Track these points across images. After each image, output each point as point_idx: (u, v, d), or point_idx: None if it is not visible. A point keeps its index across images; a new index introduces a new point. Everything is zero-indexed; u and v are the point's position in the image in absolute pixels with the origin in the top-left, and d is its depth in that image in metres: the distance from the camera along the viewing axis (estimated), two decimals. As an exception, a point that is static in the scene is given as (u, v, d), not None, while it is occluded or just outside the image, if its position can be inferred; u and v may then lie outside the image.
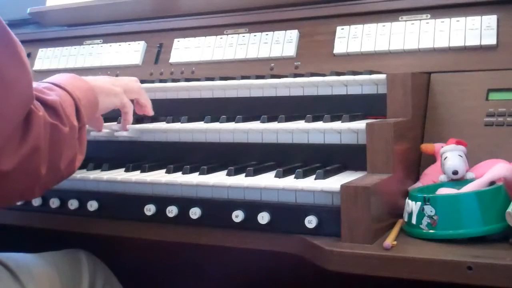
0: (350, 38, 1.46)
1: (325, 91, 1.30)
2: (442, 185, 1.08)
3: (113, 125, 1.31)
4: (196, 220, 1.10)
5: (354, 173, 1.14)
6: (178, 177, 1.15)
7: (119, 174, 1.21)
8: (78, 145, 1.01)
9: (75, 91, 1.03)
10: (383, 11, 1.46)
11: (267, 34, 1.57)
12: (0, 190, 0.88)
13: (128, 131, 1.30)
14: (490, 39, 1.32)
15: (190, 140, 1.31)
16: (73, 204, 1.22)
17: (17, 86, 0.85)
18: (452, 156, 1.09)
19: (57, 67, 1.84)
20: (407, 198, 1.03)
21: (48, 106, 0.94)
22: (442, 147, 1.13)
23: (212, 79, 1.45)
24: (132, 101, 1.27)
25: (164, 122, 1.32)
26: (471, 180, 1.05)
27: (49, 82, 1.04)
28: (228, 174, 1.14)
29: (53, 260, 1.23)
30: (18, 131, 0.86)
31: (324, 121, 1.16)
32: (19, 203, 1.27)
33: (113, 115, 1.30)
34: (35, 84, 1.00)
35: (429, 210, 0.96)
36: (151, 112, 1.32)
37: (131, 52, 1.75)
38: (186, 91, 1.45)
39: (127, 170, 1.24)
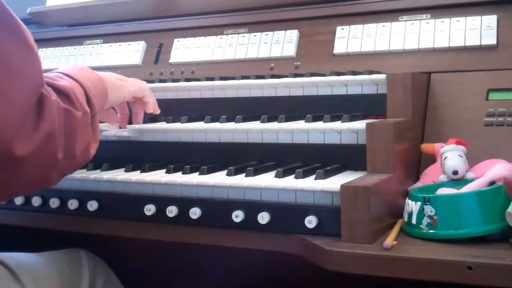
0: (350, 38, 1.46)
1: (325, 91, 1.30)
2: (442, 185, 1.08)
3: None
4: (196, 220, 1.10)
5: (354, 173, 1.14)
6: (178, 177, 1.15)
7: (119, 174, 1.21)
8: (92, 132, 1.01)
9: (85, 81, 1.03)
10: (383, 11, 1.46)
11: (267, 34, 1.57)
12: (19, 177, 0.88)
13: (126, 128, 1.30)
14: (490, 39, 1.32)
15: (190, 140, 1.31)
16: (73, 204, 1.22)
17: (25, 71, 0.84)
18: (452, 156, 1.09)
19: (57, 67, 1.84)
20: (407, 198, 1.03)
21: (60, 92, 0.94)
22: (442, 147, 1.13)
23: (212, 79, 1.45)
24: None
25: (164, 122, 1.32)
26: (471, 180, 1.05)
27: (58, 72, 1.04)
28: (228, 174, 1.14)
29: (53, 259, 1.23)
30: (31, 116, 0.86)
31: (324, 121, 1.16)
32: (18, 203, 1.27)
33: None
34: (45, 73, 1.00)
35: (429, 210, 0.96)
36: (157, 110, 1.32)
37: (131, 52, 1.75)
38: (186, 91, 1.45)
39: (127, 170, 1.24)
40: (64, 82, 0.97)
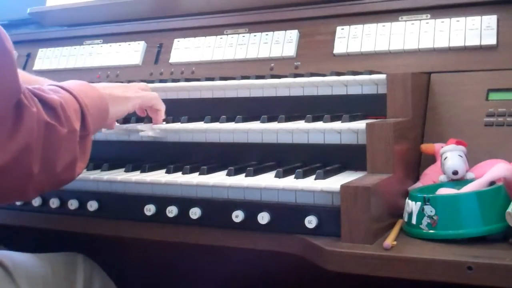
0: (350, 38, 1.46)
1: (325, 91, 1.30)
2: (442, 185, 1.08)
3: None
4: (196, 220, 1.10)
5: (354, 173, 1.14)
6: (178, 177, 1.15)
7: (119, 174, 1.21)
8: (80, 151, 0.98)
9: (84, 98, 1.01)
10: (383, 11, 1.46)
11: (267, 34, 1.57)
12: None
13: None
14: (490, 39, 1.32)
15: (190, 140, 1.31)
16: (73, 204, 1.22)
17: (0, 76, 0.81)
18: (452, 156, 1.09)
19: (57, 67, 1.84)
20: (407, 198, 1.03)
21: (47, 105, 0.91)
22: (442, 147, 1.13)
23: (212, 79, 1.45)
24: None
25: (164, 122, 1.32)
26: (471, 180, 1.05)
27: (57, 85, 1.02)
28: (228, 174, 1.14)
29: (49, 261, 1.23)
30: (6, 124, 0.83)
31: (324, 121, 1.16)
32: (18, 203, 1.27)
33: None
34: (43, 86, 0.98)
35: (429, 210, 0.96)
36: (162, 118, 1.30)
37: (131, 52, 1.75)
38: (186, 91, 1.45)
39: (127, 170, 1.24)
40: (54, 96, 0.94)
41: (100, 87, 1.12)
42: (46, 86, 1.00)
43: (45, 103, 0.92)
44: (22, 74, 1.33)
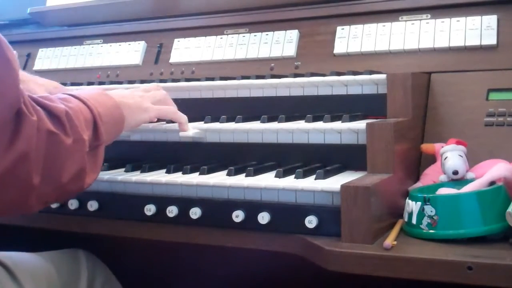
0: (350, 38, 1.46)
1: (325, 91, 1.30)
2: (442, 185, 1.08)
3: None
4: (196, 220, 1.10)
5: (354, 173, 1.14)
6: (178, 177, 1.15)
7: (119, 174, 1.21)
8: (90, 162, 0.95)
9: (98, 107, 0.99)
10: (383, 11, 1.46)
11: (267, 34, 1.57)
12: None
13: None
14: (490, 39, 1.32)
15: (190, 140, 1.31)
16: (73, 204, 1.22)
17: (1, 86, 0.80)
18: (452, 156, 1.09)
19: (57, 67, 1.84)
20: (407, 198, 1.03)
21: (50, 113, 0.89)
22: (442, 147, 1.13)
23: (212, 79, 1.45)
24: None
25: (164, 122, 1.32)
26: (471, 180, 1.05)
27: (70, 94, 0.99)
28: (228, 174, 1.14)
29: (51, 259, 1.23)
30: (5, 133, 0.81)
31: (324, 121, 1.16)
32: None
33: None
34: (55, 96, 0.96)
35: (429, 210, 0.96)
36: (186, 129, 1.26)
37: (131, 52, 1.75)
38: (186, 91, 1.45)
39: (127, 170, 1.24)
40: (59, 105, 0.91)
41: (116, 95, 1.09)
42: (57, 95, 0.98)
43: (49, 111, 0.89)
44: (37, 82, 1.30)
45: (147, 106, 1.18)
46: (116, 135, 1.09)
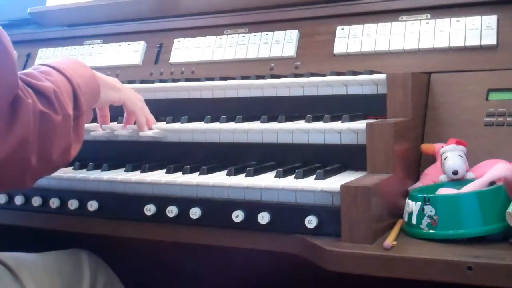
0: (350, 38, 1.46)
1: (325, 91, 1.30)
2: (442, 185, 1.08)
3: (114, 125, 1.31)
4: (196, 220, 1.10)
5: (354, 173, 1.14)
6: (178, 177, 1.15)
7: (119, 174, 1.21)
8: (74, 134, 0.98)
9: (76, 78, 1.00)
10: (383, 11, 1.46)
11: (267, 34, 1.57)
12: None
13: (127, 129, 1.29)
14: (490, 39, 1.32)
15: (190, 140, 1.30)
16: (73, 204, 1.21)
17: None
18: (452, 156, 1.09)
19: (57, 67, 1.84)
20: (407, 198, 1.03)
21: (40, 93, 0.91)
22: (442, 147, 1.13)
23: (212, 79, 1.45)
24: None
25: (164, 122, 1.32)
26: (471, 180, 1.05)
27: (49, 66, 1.00)
28: (228, 174, 1.14)
29: (53, 259, 1.23)
30: (4, 119, 0.83)
31: (324, 121, 1.16)
32: (18, 203, 1.27)
33: (113, 115, 1.31)
34: (33, 67, 0.97)
35: (429, 210, 0.96)
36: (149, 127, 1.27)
37: (131, 52, 1.75)
38: (186, 91, 1.45)
39: (127, 170, 1.24)
40: (46, 83, 0.93)
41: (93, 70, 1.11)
42: (38, 68, 0.98)
43: (38, 92, 0.91)
44: None
45: (120, 87, 1.20)
46: (92, 105, 1.11)
